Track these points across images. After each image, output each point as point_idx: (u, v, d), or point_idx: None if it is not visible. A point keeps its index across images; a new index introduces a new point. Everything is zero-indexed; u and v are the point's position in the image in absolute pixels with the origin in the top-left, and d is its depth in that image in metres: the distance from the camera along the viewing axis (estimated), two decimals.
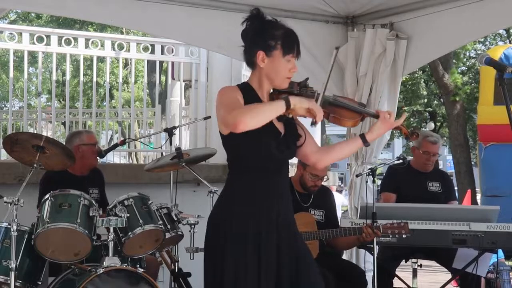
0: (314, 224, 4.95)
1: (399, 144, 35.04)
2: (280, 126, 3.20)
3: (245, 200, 3.14)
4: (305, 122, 3.28)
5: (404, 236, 4.61)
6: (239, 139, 3.08)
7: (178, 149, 5.03)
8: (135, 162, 15.64)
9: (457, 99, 17.66)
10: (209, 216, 3.28)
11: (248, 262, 3.09)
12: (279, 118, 3.13)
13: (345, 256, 5.88)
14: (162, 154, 6.70)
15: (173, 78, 8.63)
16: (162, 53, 7.87)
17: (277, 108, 3.02)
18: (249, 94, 3.17)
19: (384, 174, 6.08)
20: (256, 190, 3.14)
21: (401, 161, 5.45)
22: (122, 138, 6.60)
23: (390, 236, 4.65)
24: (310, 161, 3.39)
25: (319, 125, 7.48)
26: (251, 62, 3.21)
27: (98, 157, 5.38)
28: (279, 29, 3.17)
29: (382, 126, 3.28)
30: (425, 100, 23.96)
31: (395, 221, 4.63)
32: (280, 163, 3.22)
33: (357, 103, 3.42)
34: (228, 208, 3.18)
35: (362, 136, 3.30)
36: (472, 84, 20.77)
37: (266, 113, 3.01)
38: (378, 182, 5.69)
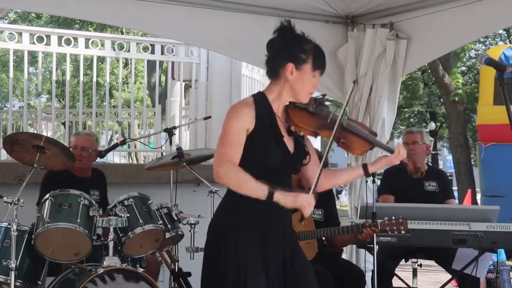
0: (312, 224, 4.95)
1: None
2: (289, 143, 3.18)
3: (246, 211, 3.11)
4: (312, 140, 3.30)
5: (402, 232, 4.61)
6: (246, 153, 3.08)
7: (179, 149, 5.03)
8: (135, 162, 15.66)
9: (457, 99, 17.66)
10: (210, 224, 3.26)
11: (252, 266, 3.08)
12: (290, 133, 3.14)
13: (345, 255, 5.88)
14: (162, 154, 6.70)
15: (173, 78, 8.63)
16: (162, 53, 7.87)
17: (258, 194, 3.02)
18: (262, 107, 3.13)
19: (382, 175, 6.08)
20: (258, 202, 3.08)
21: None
22: (122, 138, 6.59)
23: (389, 232, 4.64)
24: (310, 183, 3.36)
25: None
26: (275, 73, 3.18)
27: (98, 157, 5.39)
28: (310, 43, 3.19)
29: (390, 162, 3.32)
30: (426, 99, 23.97)
31: (393, 217, 4.62)
32: (285, 177, 3.22)
33: (369, 130, 3.41)
34: (229, 217, 3.16)
35: (365, 167, 3.33)
36: (472, 84, 20.78)
37: (246, 191, 3.04)
38: (378, 182, 5.69)
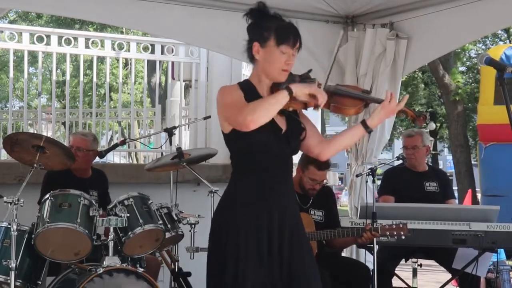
0: (312, 225, 4.94)
1: (399, 144, 35.02)
2: (281, 122, 3.18)
3: (247, 198, 3.14)
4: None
5: (403, 237, 4.60)
6: (241, 137, 3.09)
7: (179, 149, 5.03)
8: (135, 162, 15.65)
9: (457, 99, 17.67)
10: (213, 215, 3.28)
11: (252, 260, 3.09)
12: (280, 112, 3.11)
13: (344, 255, 5.88)
14: (162, 154, 6.70)
15: (173, 78, 8.63)
16: (162, 53, 7.87)
17: (282, 99, 3.04)
18: (249, 91, 3.16)
19: (382, 175, 6.08)
20: (258, 189, 3.13)
21: (400, 161, 5.46)
22: (122, 138, 6.59)
23: (389, 237, 4.63)
24: (313, 153, 3.36)
25: (319, 124, 7.53)
26: (250, 56, 3.20)
27: (98, 158, 5.39)
28: (275, 21, 3.15)
29: (383, 110, 3.23)
30: (426, 100, 23.97)
31: (394, 222, 4.62)
32: (282, 161, 3.21)
33: (361, 90, 3.37)
34: (231, 207, 3.17)
35: (363, 123, 3.26)
36: (472, 84, 20.79)
37: (272, 106, 3.03)
38: (378, 182, 5.69)
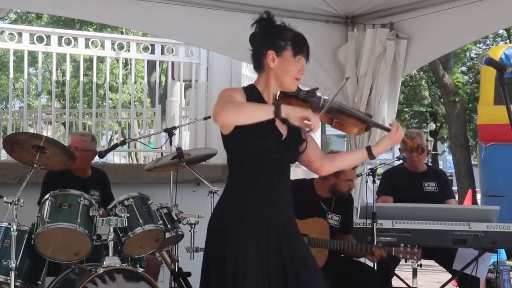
0: (327, 232, 4.94)
1: (399, 145, 34.98)
2: (282, 129, 3.18)
3: (244, 202, 3.13)
4: None
5: (416, 262, 4.66)
6: (239, 140, 3.09)
7: (178, 149, 5.03)
8: (135, 162, 15.66)
9: (457, 99, 17.67)
10: (210, 218, 3.26)
11: (249, 265, 3.08)
12: (282, 120, 3.11)
13: None
14: (162, 154, 6.70)
15: (173, 78, 8.63)
16: (162, 53, 7.87)
17: (264, 112, 3.01)
18: (253, 95, 3.16)
19: (381, 175, 6.08)
20: (254, 192, 3.13)
21: (401, 161, 5.46)
22: (122, 138, 6.59)
23: (401, 259, 4.68)
24: (312, 168, 3.39)
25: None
26: (259, 64, 3.20)
27: (98, 158, 5.39)
28: (289, 31, 3.20)
29: (390, 140, 3.29)
30: (428, 100, 23.97)
31: (408, 245, 4.63)
32: (279, 166, 3.21)
33: (364, 113, 3.43)
34: (228, 210, 3.17)
35: (368, 149, 3.31)
36: (473, 84, 20.79)
37: (250, 113, 3.01)
38: (378, 182, 5.69)
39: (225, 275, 3.07)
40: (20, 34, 7.20)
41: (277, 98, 3.19)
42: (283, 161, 3.22)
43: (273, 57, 3.15)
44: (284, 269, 3.12)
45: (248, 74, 7.82)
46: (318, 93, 3.28)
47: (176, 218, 4.93)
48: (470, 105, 20.76)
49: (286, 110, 2.99)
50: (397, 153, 6.13)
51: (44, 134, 6.77)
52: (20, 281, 4.31)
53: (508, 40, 21.98)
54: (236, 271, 3.06)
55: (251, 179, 3.15)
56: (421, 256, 4.62)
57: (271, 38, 3.17)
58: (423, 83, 24.25)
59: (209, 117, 5.88)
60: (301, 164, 3.46)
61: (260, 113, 3.02)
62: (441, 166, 32.44)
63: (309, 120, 2.99)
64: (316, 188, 5.06)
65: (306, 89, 3.26)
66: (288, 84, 3.18)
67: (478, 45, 22.96)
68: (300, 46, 3.17)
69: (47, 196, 4.48)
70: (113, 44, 7.83)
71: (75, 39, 7.94)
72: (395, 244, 4.84)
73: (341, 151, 3.65)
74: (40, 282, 4.47)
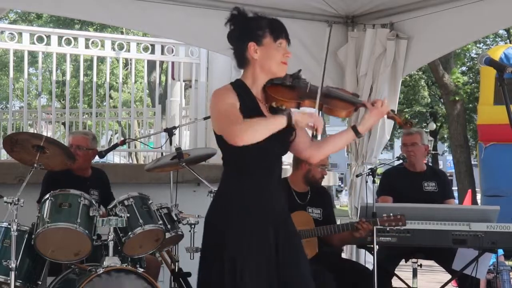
0: (312, 222, 4.96)
1: (399, 144, 35.02)
2: None
3: (240, 198, 3.15)
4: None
5: (401, 228, 4.63)
6: None
7: (178, 149, 5.03)
8: (135, 162, 15.66)
9: (457, 99, 17.68)
10: (206, 215, 3.27)
11: (247, 260, 3.09)
12: (272, 111, 3.16)
13: (344, 255, 5.88)
14: (162, 154, 6.70)
15: (173, 78, 8.64)
16: (162, 53, 7.88)
17: (280, 125, 3.07)
18: (243, 92, 3.17)
19: (381, 175, 6.08)
20: (250, 188, 3.15)
21: (401, 160, 5.46)
22: (122, 138, 6.60)
23: (388, 228, 4.66)
24: (303, 156, 3.41)
25: None
26: (243, 59, 3.21)
27: (98, 158, 5.39)
28: (263, 19, 3.22)
29: (372, 115, 3.26)
30: (428, 100, 23.98)
31: (391, 214, 4.64)
32: (273, 160, 3.24)
33: (351, 94, 3.43)
34: (224, 207, 3.18)
35: (354, 128, 3.30)
36: (473, 84, 20.80)
37: (266, 131, 3.06)
38: (378, 182, 5.69)
39: (223, 273, 3.08)
40: (20, 34, 7.22)
41: (264, 89, 3.21)
42: (276, 154, 3.25)
43: (254, 48, 3.16)
44: (279, 266, 3.13)
45: None
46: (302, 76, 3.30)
47: (176, 218, 4.93)
48: (470, 105, 20.78)
49: (296, 118, 3.09)
50: (398, 153, 6.13)
51: (44, 134, 6.78)
52: (20, 281, 4.30)
53: (508, 40, 21.99)
54: (235, 268, 3.07)
55: (246, 175, 3.17)
56: (405, 221, 4.62)
57: (248, 30, 3.18)
58: (422, 83, 24.26)
59: (209, 117, 5.86)
60: (292, 153, 3.46)
61: (275, 127, 3.07)
62: (441, 166, 32.46)
63: (315, 124, 3.09)
64: (290, 184, 5.07)
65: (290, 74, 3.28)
66: (275, 70, 3.19)
67: (478, 45, 22.98)
68: (279, 30, 3.19)
69: (47, 196, 4.48)
70: (113, 44, 7.84)
71: (75, 39, 7.95)
72: (395, 244, 4.84)
73: (328, 136, 3.63)
74: (40, 282, 4.47)
